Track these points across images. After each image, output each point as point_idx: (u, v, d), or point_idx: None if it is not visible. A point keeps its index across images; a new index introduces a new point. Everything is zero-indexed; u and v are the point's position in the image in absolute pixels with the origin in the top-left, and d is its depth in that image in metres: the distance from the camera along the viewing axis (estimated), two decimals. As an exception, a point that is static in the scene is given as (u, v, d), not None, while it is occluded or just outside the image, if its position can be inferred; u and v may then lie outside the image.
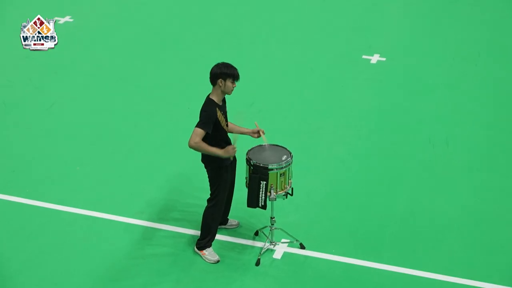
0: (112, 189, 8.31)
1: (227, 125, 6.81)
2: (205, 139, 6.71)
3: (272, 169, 6.74)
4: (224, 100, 6.86)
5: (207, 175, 7.00)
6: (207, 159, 6.88)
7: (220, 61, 6.77)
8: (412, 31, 12.28)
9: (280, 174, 6.81)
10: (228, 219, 7.64)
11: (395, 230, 7.61)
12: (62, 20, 12.71)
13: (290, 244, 7.38)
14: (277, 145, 7.09)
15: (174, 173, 8.57)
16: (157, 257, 7.27)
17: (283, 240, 7.42)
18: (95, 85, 10.71)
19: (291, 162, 6.87)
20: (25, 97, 10.36)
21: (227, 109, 6.95)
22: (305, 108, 10.05)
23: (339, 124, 9.63)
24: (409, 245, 7.41)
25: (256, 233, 7.57)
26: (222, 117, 6.68)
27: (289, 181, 6.98)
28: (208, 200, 7.09)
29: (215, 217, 7.10)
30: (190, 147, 6.62)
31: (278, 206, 7.69)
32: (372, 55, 11.47)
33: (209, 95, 6.75)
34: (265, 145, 7.05)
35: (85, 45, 11.98)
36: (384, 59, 11.37)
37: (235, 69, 6.63)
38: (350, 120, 9.73)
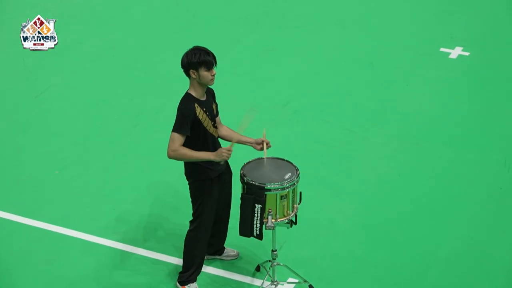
0: (90, 201, 8.27)
1: (214, 125, 6.66)
2: (188, 146, 6.61)
3: (269, 190, 6.54)
4: (210, 94, 6.73)
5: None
6: (188, 171, 6.75)
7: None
8: (507, 20, 11.84)
9: (281, 197, 6.57)
10: (224, 248, 7.48)
11: (437, 275, 7.21)
12: (71, -10, 12.94)
13: (298, 285, 7.12)
14: (282, 159, 6.88)
15: (164, 184, 8.50)
16: (130, 288, 7.17)
17: (289, 280, 7.19)
18: (98, 71, 10.76)
19: (297, 182, 6.64)
20: (14, 81, 10.52)
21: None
22: (353, 112, 9.79)
23: (392, 134, 9.31)
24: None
25: (258, 269, 7.38)
26: (205, 115, 6.54)
27: (294, 205, 6.76)
28: (190, 222, 6.96)
29: (199, 244, 6.94)
30: (170, 157, 6.51)
31: (289, 235, 7.47)
32: (453, 48, 11.16)
33: (188, 89, 6.67)
34: (266, 158, 6.87)
35: (94, 20, 12.08)
36: (467, 53, 11.03)
37: (207, 53, 6.45)
38: (408, 129, 9.40)
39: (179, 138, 6.40)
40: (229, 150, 6.48)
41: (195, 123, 6.46)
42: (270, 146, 6.78)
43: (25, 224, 7.97)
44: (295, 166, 6.74)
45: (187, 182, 6.79)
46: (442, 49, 11.11)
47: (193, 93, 6.53)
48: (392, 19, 11.88)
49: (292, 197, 6.64)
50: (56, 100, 10.07)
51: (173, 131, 6.42)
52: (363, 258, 7.49)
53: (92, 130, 9.44)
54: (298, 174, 6.65)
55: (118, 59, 10.99)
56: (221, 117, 6.76)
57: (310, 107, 9.86)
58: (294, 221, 6.77)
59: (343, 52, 11.13)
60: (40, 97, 10.12)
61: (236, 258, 7.49)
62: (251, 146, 6.85)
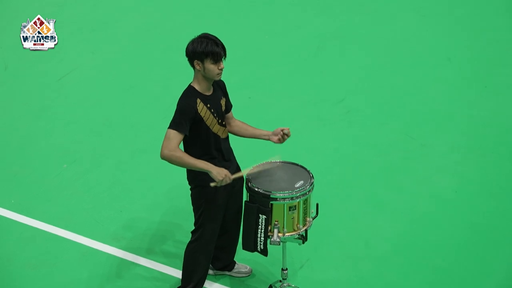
0: (96, 201, 8.28)
1: (220, 123, 6.54)
2: (188, 144, 6.54)
3: (276, 199, 6.40)
4: (219, 87, 6.60)
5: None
6: (190, 175, 6.61)
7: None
8: None
9: (290, 208, 6.43)
10: (235, 263, 7.35)
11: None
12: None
13: (312, 311, 6.99)
14: (296, 164, 6.71)
15: (184, 189, 8.44)
16: (124, 304, 7.07)
17: (304, 305, 7.08)
18: (132, 53, 10.80)
19: (309, 191, 6.46)
20: (37, 61, 10.66)
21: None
22: (417, 115, 9.56)
23: (456, 143, 9.03)
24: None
25: (270, 289, 7.29)
26: (208, 112, 6.41)
27: (307, 219, 6.60)
28: (192, 232, 6.86)
29: (199, 258, 6.82)
30: (163, 158, 6.38)
31: (314, 253, 7.37)
32: (549, 44, 10.72)
33: (191, 81, 6.58)
34: (278, 162, 6.76)
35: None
36: None
37: (216, 43, 6.29)
38: (476, 139, 9.11)
39: (176, 137, 6.28)
40: (231, 178, 6.35)
41: (196, 120, 6.34)
42: (289, 135, 6.60)
43: (18, 222, 8.01)
44: (310, 173, 6.58)
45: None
46: (536, 45, 10.76)
47: (197, 87, 6.42)
48: (478, 9, 11.55)
49: (304, 208, 6.46)
50: (79, 83, 10.13)
51: (169, 127, 6.32)
52: (395, 286, 7.26)
53: (113, 120, 9.44)
54: (312, 183, 6.48)
55: (157, 41, 10.96)
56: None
57: (367, 106, 9.68)
58: (305, 236, 6.61)
59: (417, 44, 10.91)
60: (62, 80, 10.20)
61: (248, 276, 7.36)
62: (268, 139, 6.69)
